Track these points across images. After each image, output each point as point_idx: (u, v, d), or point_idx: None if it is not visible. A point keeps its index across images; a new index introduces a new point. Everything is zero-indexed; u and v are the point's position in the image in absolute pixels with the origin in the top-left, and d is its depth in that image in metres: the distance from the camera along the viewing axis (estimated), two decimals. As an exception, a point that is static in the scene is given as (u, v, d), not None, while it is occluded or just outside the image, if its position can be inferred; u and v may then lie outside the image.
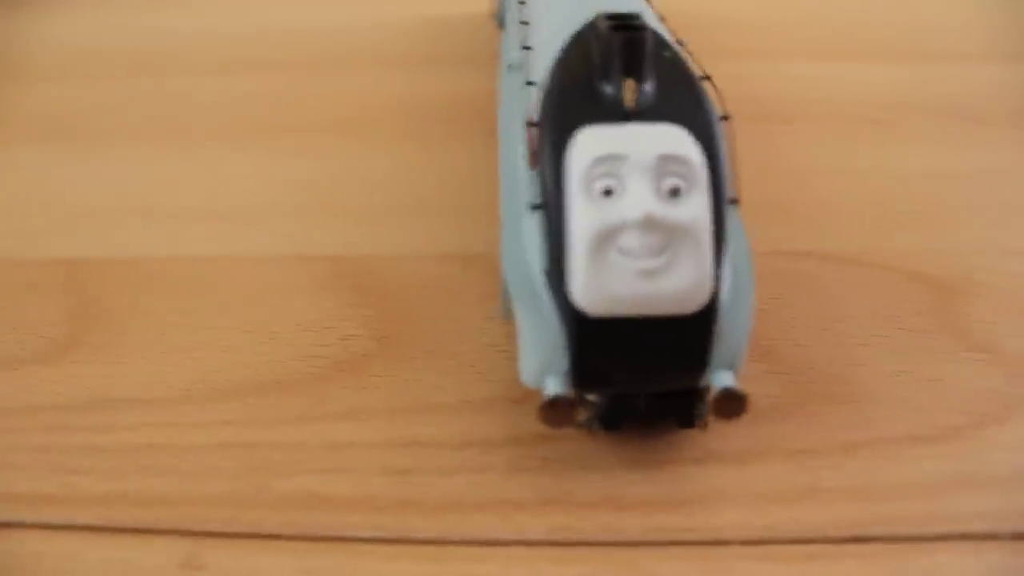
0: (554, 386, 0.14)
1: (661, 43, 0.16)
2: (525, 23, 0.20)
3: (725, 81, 0.34)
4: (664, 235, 0.14)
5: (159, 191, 0.26)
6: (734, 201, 0.15)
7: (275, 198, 0.26)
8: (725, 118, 0.15)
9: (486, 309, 0.20)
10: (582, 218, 0.14)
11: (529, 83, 0.16)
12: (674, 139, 0.14)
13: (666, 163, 0.14)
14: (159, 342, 0.20)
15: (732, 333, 0.15)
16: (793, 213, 0.24)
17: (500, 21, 0.31)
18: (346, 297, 0.21)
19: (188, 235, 0.24)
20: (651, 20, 0.19)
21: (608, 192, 0.14)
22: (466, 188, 0.26)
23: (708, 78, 0.16)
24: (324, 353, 0.19)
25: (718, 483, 0.16)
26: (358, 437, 0.17)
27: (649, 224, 0.13)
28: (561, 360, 0.14)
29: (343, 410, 0.17)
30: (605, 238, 0.14)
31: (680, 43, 0.18)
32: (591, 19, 0.16)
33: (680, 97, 0.15)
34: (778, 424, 0.17)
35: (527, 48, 0.18)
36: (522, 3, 0.22)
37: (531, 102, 0.16)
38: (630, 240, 0.14)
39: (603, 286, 0.14)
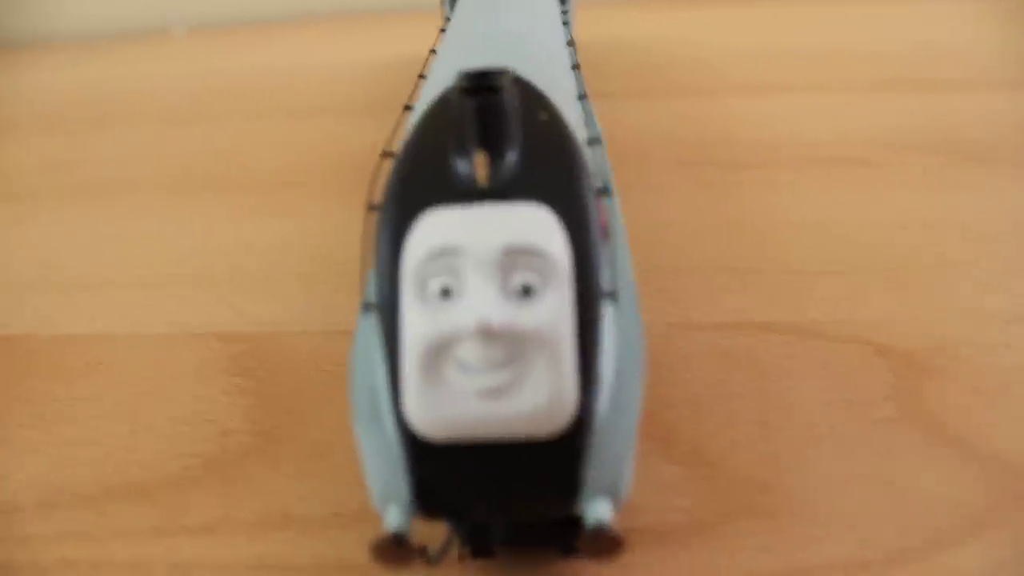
0: (395, 519, 0.12)
1: (533, 103, 0.14)
2: (422, 76, 0.18)
3: (689, 123, 0.32)
4: (510, 345, 0.12)
5: (79, 258, 0.25)
6: (611, 294, 0.13)
7: (191, 266, 0.24)
8: (605, 191, 0.13)
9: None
10: (414, 325, 0.12)
11: (386, 153, 0.15)
12: (529, 224, 0.12)
13: (515, 258, 0.12)
14: (30, 434, 0.18)
15: (610, 453, 0.12)
16: (750, 276, 0.21)
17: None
18: (232, 383, 0.19)
19: (93, 307, 0.23)
20: (550, 69, 0.17)
21: (446, 292, 0.12)
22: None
23: (596, 141, 0.14)
24: (198, 451, 0.17)
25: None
26: (208, 558, 0.15)
27: (487, 333, 0.11)
28: (401, 487, 0.12)
29: (200, 523, 0.16)
30: (440, 350, 0.12)
31: (582, 96, 0.16)
32: (457, 77, 0.14)
33: (548, 169, 0.13)
34: (688, 546, 0.14)
35: (408, 108, 0.17)
36: (432, 52, 0.20)
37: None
38: (469, 353, 0.12)
39: (438, 407, 0.12)
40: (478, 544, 0.13)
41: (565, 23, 0.22)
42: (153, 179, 0.30)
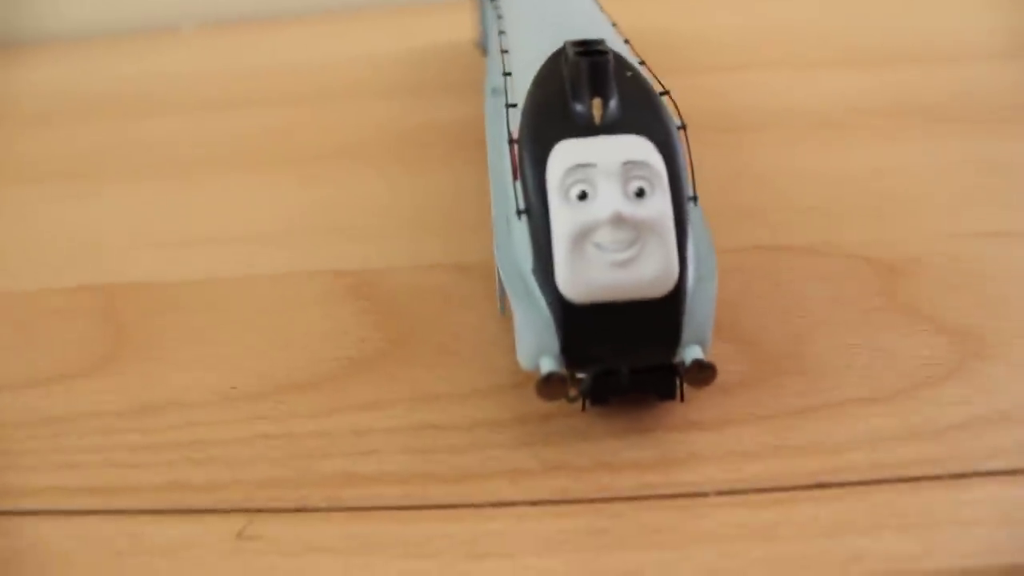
0: (548, 365, 0.18)
1: (623, 64, 0.19)
2: (505, 51, 0.23)
3: (697, 94, 0.38)
4: (632, 230, 0.17)
5: (172, 221, 0.30)
6: (693, 198, 0.18)
7: (280, 222, 0.29)
8: (682, 127, 0.18)
9: (481, 311, 0.24)
10: (561, 220, 0.17)
11: (510, 105, 0.20)
12: (637, 147, 0.17)
13: (631, 168, 0.17)
14: (190, 354, 0.23)
15: (699, 313, 0.18)
16: (760, 213, 0.27)
17: (483, 49, 0.35)
18: (355, 306, 0.24)
19: (202, 259, 0.27)
20: (615, 43, 0.22)
21: (583, 196, 0.17)
22: (453, 206, 0.29)
23: (667, 92, 0.19)
24: (342, 355, 0.22)
25: (695, 447, 0.19)
26: (379, 424, 0.20)
27: (618, 221, 0.17)
28: (553, 342, 0.18)
29: (364, 402, 0.21)
30: (582, 236, 0.17)
31: (642, 63, 0.22)
32: (563, 46, 0.19)
33: (641, 111, 0.18)
34: (745, 394, 0.20)
35: (508, 75, 0.22)
36: (502, 33, 0.25)
37: (513, 122, 0.19)
38: (603, 236, 0.17)
39: (583, 277, 0.17)
40: (600, 392, 0.19)
41: (602, 10, 0.28)
42: (209, 156, 0.35)
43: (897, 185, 0.28)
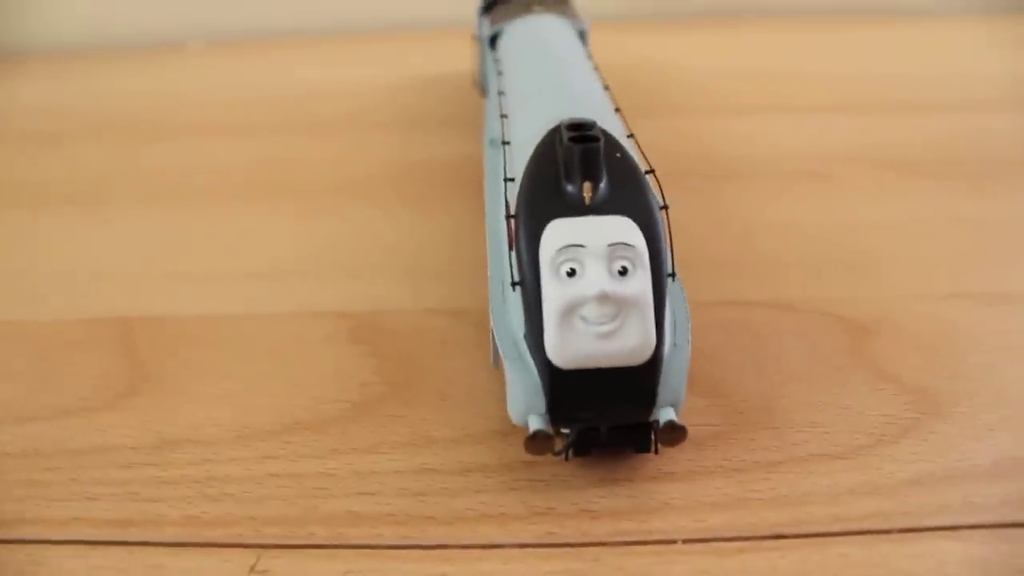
0: (536, 423, 0.20)
1: (612, 146, 0.21)
2: (504, 116, 0.26)
3: (684, 138, 0.40)
4: (616, 306, 0.19)
5: (182, 253, 0.32)
6: (671, 275, 0.20)
7: (286, 258, 0.31)
8: (664, 208, 0.21)
9: (475, 358, 0.26)
10: (552, 294, 0.19)
11: (508, 180, 0.22)
12: (622, 229, 0.19)
13: (616, 249, 0.19)
14: (204, 390, 0.25)
15: (673, 378, 0.20)
16: (740, 266, 0.30)
17: (482, 90, 0.37)
18: (357, 348, 0.26)
19: (212, 294, 0.29)
20: (606, 116, 0.24)
21: (571, 273, 0.19)
22: (452, 247, 0.31)
23: (652, 171, 0.21)
24: (345, 398, 0.24)
25: (667, 496, 0.21)
26: (380, 467, 0.22)
27: (603, 298, 0.19)
28: (540, 402, 0.20)
29: (366, 445, 0.23)
30: (570, 309, 0.19)
31: (617, 109, 0.24)
32: (556, 126, 0.21)
33: (628, 192, 0.20)
34: (716, 447, 0.22)
35: (506, 143, 0.24)
36: (502, 94, 0.27)
37: (510, 196, 0.21)
38: (589, 310, 0.19)
39: (570, 346, 0.19)
40: (582, 446, 0.21)
41: (595, 67, 0.30)
42: (216, 186, 0.37)
43: (872, 241, 0.31)
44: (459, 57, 0.44)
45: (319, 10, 0.55)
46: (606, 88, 0.28)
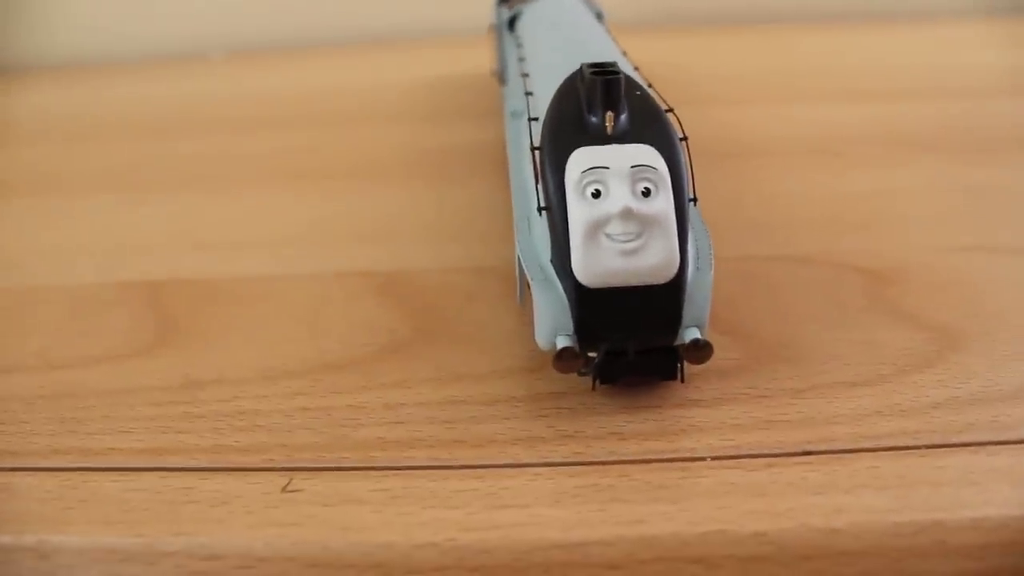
0: (563, 342, 0.20)
1: (632, 84, 0.22)
2: (526, 75, 0.27)
3: (704, 123, 0.42)
4: (639, 224, 0.20)
5: (213, 227, 0.33)
6: (692, 200, 0.21)
7: (309, 229, 0.32)
8: (684, 139, 0.21)
9: (499, 308, 0.26)
10: (577, 214, 0.20)
11: (533, 119, 0.23)
12: (644, 154, 0.20)
13: (638, 171, 0.20)
14: (231, 340, 0.26)
15: (697, 299, 0.21)
16: (760, 228, 0.31)
17: (501, 78, 0.38)
18: (383, 301, 0.27)
19: (242, 260, 0.30)
20: (626, 68, 0.25)
21: (596, 194, 0.20)
22: (471, 217, 0.32)
23: (671, 110, 0.22)
24: (373, 342, 0.25)
25: (695, 421, 0.22)
26: (408, 399, 0.23)
27: (627, 215, 0.20)
28: (568, 323, 0.20)
29: (394, 381, 0.23)
30: (596, 227, 0.20)
31: (650, 85, 0.25)
32: (578, 68, 0.22)
33: (648, 124, 0.21)
34: (741, 378, 0.23)
35: (529, 94, 0.25)
36: (522, 60, 0.28)
37: (535, 133, 0.22)
38: (614, 228, 0.20)
39: (596, 263, 0.20)
40: (608, 371, 0.21)
41: (613, 39, 0.31)
42: (241, 172, 0.38)
43: (886, 205, 0.32)
44: (470, 61, 0.46)
45: (333, 22, 0.56)
46: (624, 54, 0.29)
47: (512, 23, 0.34)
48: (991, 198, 0.32)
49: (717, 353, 0.23)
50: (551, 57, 0.26)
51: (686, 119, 0.40)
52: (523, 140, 0.25)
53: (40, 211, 0.36)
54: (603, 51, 0.27)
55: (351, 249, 0.31)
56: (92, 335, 0.26)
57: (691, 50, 0.52)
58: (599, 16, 0.34)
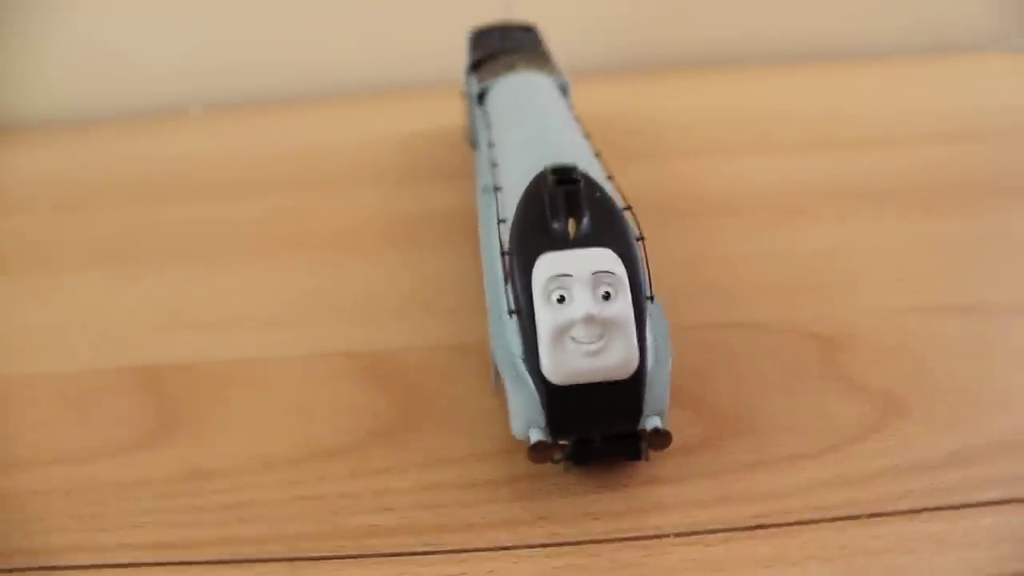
0: (536, 435, 0.23)
1: (592, 187, 0.24)
2: (495, 165, 0.29)
3: (668, 178, 0.44)
4: (601, 327, 0.22)
5: (200, 304, 0.35)
6: (650, 298, 0.23)
7: (294, 307, 0.35)
8: (640, 239, 0.24)
9: (476, 386, 0.29)
10: (545, 319, 0.22)
11: (501, 221, 0.25)
12: (604, 259, 0.23)
13: (599, 277, 0.22)
14: (228, 427, 0.28)
15: (657, 389, 0.23)
16: (722, 293, 0.33)
17: (471, 143, 0.41)
18: (368, 384, 0.29)
19: (230, 341, 0.33)
20: (587, 159, 0.27)
21: (561, 299, 0.22)
22: (446, 290, 0.35)
23: (629, 207, 0.25)
24: (359, 426, 0.27)
25: (660, 498, 0.24)
26: (396, 485, 0.25)
27: (590, 320, 0.22)
28: (540, 417, 0.23)
29: (381, 467, 0.26)
30: (562, 332, 0.22)
31: (598, 155, 0.27)
32: (542, 171, 0.24)
33: (608, 227, 0.24)
34: (701, 454, 0.25)
35: (498, 189, 0.27)
36: (491, 145, 0.31)
37: (504, 235, 0.25)
38: (578, 331, 0.22)
39: (563, 364, 0.22)
40: (579, 456, 0.24)
41: (576, 118, 0.33)
42: (228, 242, 0.40)
43: (843, 264, 0.34)
44: (445, 113, 0.48)
45: (310, 75, 0.59)
46: (587, 136, 0.31)
47: (482, 97, 0.37)
48: (946, 253, 0.35)
49: (681, 429, 0.25)
50: (517, 152, 0.29)
51: (649, 175, 0.43)
52: (492, 231, 0.27)
53: (28, 288, 0.38)
54: (567, 144, 0.29)
55: (333, 328, 0.33)
56: (94, 426, 0.29)
57: (655, 95, 0.55)
58: (564, 88, 0.37)
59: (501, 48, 0.41)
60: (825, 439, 0.26)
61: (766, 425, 0.26)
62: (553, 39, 0.45)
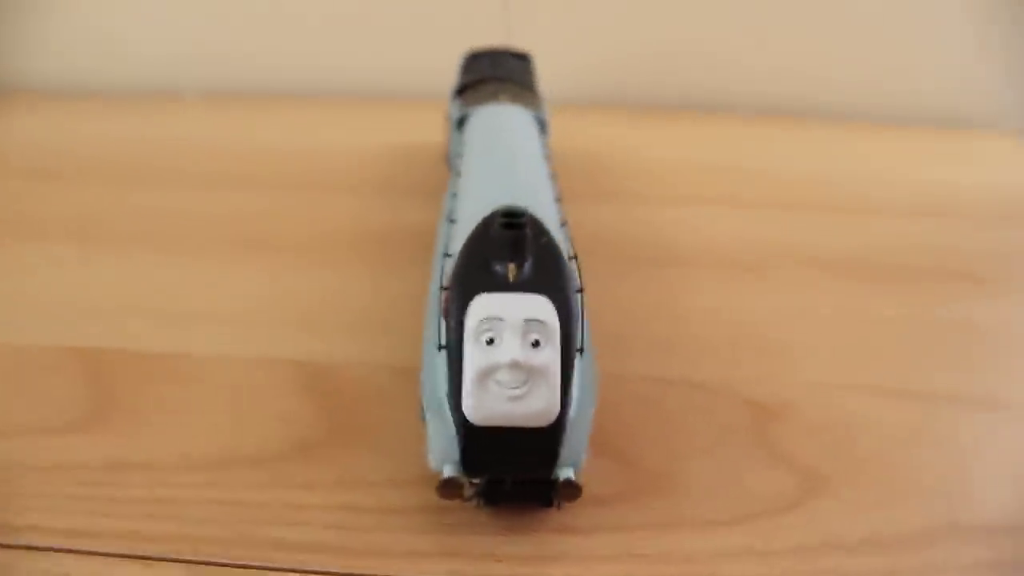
0: (449, 471, 0.23)
1: (540, 231, 0.25)
2: (454, 194, 0.29)
3: (631, 223, 0.44)
4: (526, 373, 0.22)
5: (159, 293, 0.36)
6: (580, 350, 0.24)
7: (252, 308, 0.35)
8: (580, 290, 0.24)
9: (409, 410, 0.29)
10: (471, 359, 0.22)
11: (447, 255, 0.25)
12: (538, 307, 0.23)
13: (531, 325, 0.23)
14: (160, 421, 0.28)
15: (574, 441, 0.23)
16: (667, 347, 0.33)
17: (449, 166, 0.41)
18: (305, 394, 0.30)
19: (180, 334, 0.33)
20: (547, 202, 0.28)
21: (490, 342, 0.23)
22: (399, 309, 0.35)
23: (574, 257, 0.25)
24: (288, 437, 0.28)
25: (565, 548, 0.24)
26: (312, 501, 0.25)
27: (515, 366, 0.22)
28: (455, 453, 0.23)
29: (301, 481, 0.26)
30: (486, 373, 0.22)
31: (558, 199, 0.28)
32: (492, 212, 0.25)
33: (548, 274, 0.24)
34: (615, 508, 0.26)
35: (452, 221, 0.28)
36: (459, 175, 0.31)
37: (448, 269, 0.25)
38: (503, 375, 0.22)
39: (484, 405, 0.22)
40: (490, 495, 0.24)
41: (547, 156, 0.34)
42: (193, 233, 0.41)
43: (788, 332, 0.34)
44: (435, 129, 0.49)
45: (306, 73, 0.59)
46: (553, 177, 0.32)
47: (462, 123, 0.37)
48: (897, 334, 0.35)
49: (599, 480, 0.25)
50: (478, 186, 0.29)
51: (611, 218, 0.43)
52: (439, 266, 0.28)
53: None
54: (527, 184, 0.29)
55: (285, 334, 0.33)
56: (28, 403, 0.29)
57: (634, 135, 0.55)
58: (543, 124, 0.37)
59: (491, 75, 0.41)
60: (742, 508, 0.26)
61: (685, 486, 0.27)
62: (546, 65, 0.45)
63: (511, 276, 0.24)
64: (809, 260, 0.40)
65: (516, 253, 0.24)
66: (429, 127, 0.49)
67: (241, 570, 0.23)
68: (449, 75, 0.46)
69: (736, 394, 0.31)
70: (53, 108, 0.56)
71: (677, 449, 0.28)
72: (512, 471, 0.24)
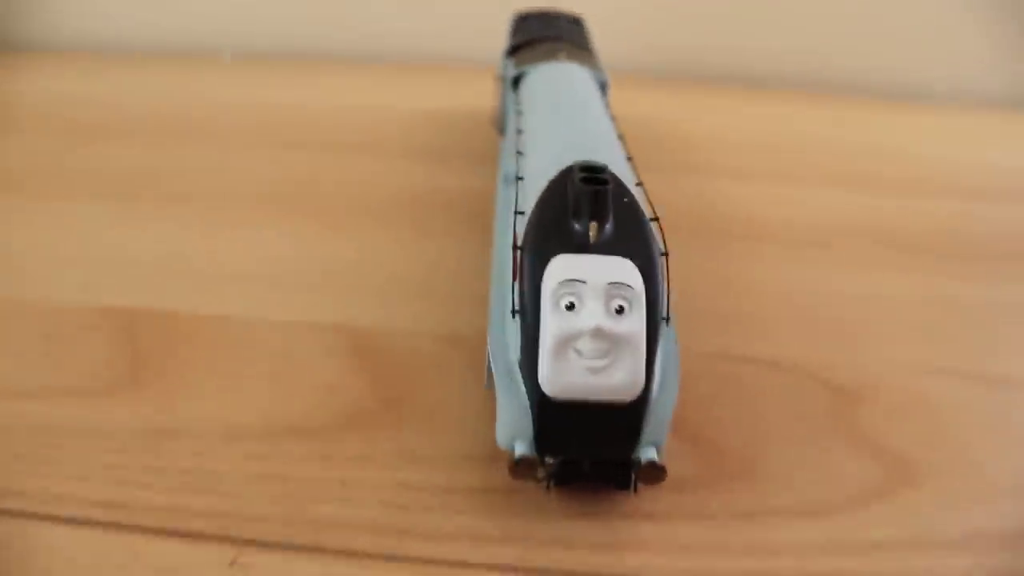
0: (521, 449, 0.21)
1: (621, 190, 0.23)
2: (520, 153, 0.27)
3: (702, 199, 0.42)
4: (609, 342, 0.20)
5: (199, 254, 0.34)
6: (666, 319, 0.21)
7: (293, 270, 0.33)
8: (664, 254, 0.22)
9: (467, 383, 0.27)
10: (550, 325, 0.20)
11: (519, 213, 0.23)
12: (622, 270, 0.21)
13: (614, 288, 0.20)
14: (202, 386, 0.26)
15: (657, 419, 0.21)
16: (738, 323, 0.31)
17: (499, 129, 0.39)
18: (352, 362, 0.28)
19: (221, 295, 0.31)
20: (619, 160, 0.25)
21: (570, 307, 0.20)
22: (455, 276, 0.33)
23: (656, 219, 0.23)
24: (338, 409, 0.26)
25: (642, 535, 0.22)
26: (365, 478, 0.23)
27: (598, 334, 0.20)
28: (527, 429, 0.21)
29: (353, 455, 0.24)
30: (566, 341, 0.20)
31: (630, 159, 0.25)
32: (570, 165, 0.23)
33: (631, 236, 0.22)
34: (694, 493, 0.23)
35: (520, 179, 0.25)
36: (520, 132, 0.29)
37: (519, 228, 0.23)
38: (584, 344, 0.20)
39: (562, 377, 0.20)
40: (564, 477, 0.22)
41: (612, 117, 0.31)
42: (243, 193, 0.39)
43: (866, 313, 0.32)
44: (477, 95, 0.46)
45: (347, 36, 0.57)
46: (620, 137, 0.29)
47: (517, 82, 0.35)
48: (977, 317, 0.33)
49: (676, 464, 0.23)
50: (546, 143, 0.27)
51: (682, 188, 0.40)
52: (508, 223, 0.26)
53: (29, 211, 0.36)
54: (599, 142, 0.27)
55: (330, 298, 0.31)
56: (65, 364, 0.27)
57: (698, 108, 0.53)
58: (604, 86, 0.35)
59: (544, 35, 0.39)
60: (826, 498, 0.24)
61: (766, 473, 0.24)
62: (598, 33, 0.43)
63: (592, 236, 0.21)
64: (879, 239, 0.38)
65: (598, 211, 0.21)
66: (473, 93, 0.47)
67: (294, 552, 0.21)
68: (493, 39, 0.43)
69: (813, 374, 0.29)
70: (88, 65, 0.54)
71: (756, 431, 0.26)
72: (590, 451, 0.21)
